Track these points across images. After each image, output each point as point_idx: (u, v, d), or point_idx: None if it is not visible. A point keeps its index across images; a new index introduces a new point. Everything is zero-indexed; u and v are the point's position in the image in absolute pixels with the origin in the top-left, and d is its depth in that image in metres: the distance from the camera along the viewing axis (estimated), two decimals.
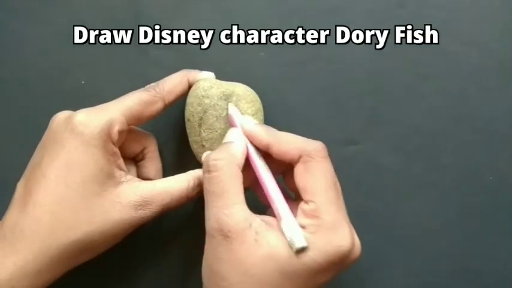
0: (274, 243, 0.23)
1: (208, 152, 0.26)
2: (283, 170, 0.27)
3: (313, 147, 0.24)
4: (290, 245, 0.22)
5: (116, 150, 0.27)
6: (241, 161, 0.25)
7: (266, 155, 0.26)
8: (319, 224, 0.23)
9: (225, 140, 0.26)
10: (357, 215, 0.31)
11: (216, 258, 0.23)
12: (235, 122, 0.27)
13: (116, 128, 0.26)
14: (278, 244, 0.23)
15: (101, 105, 0.27)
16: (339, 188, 0.25)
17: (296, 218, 0.24)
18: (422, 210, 0.32)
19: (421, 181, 0.32)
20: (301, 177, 0.24)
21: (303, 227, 0.23)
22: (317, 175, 0.24)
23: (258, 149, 0.26)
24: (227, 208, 0.23)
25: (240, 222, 0.23)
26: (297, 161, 0.24)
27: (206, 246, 0.24)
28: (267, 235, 0.23)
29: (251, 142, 0.26)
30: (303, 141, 0.25)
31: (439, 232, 0.32)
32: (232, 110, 0.27)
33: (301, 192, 0.24)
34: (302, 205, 0.24)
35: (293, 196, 0.28)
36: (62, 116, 0.27)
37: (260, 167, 0.25)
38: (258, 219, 0.23)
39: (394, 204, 0.32)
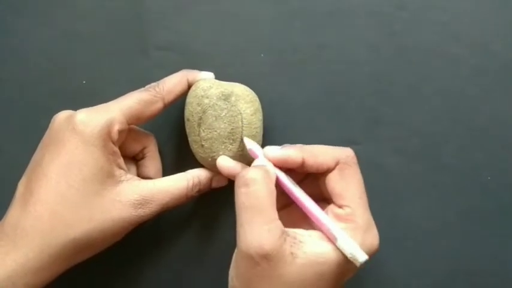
0: (309, 251, 0.24)
1: (245, 169, 0.26)
2: (301, 179, 0.28)
3: (347, 154, 0.26)
4: (353, 261, 0.24)
5: (116, 149, 0.27)
6: (274, 179, 0.25)
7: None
8: (355, 227, 0.24)
9: (255, 164, 0.27)
10: None
11: (255, 277, 0.23)
12: (257, 153, 0.27)
13: (116, 128, 0.27)
14: (312, 251, 0.24)
15: (102, 105, 0.27)
16: (366, 194, 0.26)
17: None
18: (422, 211, 0.32)
19: (421, 182, 0.32)
20: (337, 184, 0.25)
21: None
22: (352, 182, 0.25)
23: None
24: (267, 224, 0.23)
25: (279, 238, 0.23)
26: (333, 169, 0.25)
27: (239, 264, 0.24)
28: (300, 246, 0.24)
29: (281, 167, 0.26)
30: (338, 149, 0.26)
31: (439, 233, 0.31)
32: (250, 144, 0.27)
33: (336, 198, 0.25)
34: (335, 209, 0.25)
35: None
36: (63, 115, 0.27)
37: (297, 191, 0.25)
38: (288, 233, 0.24)
39: (394, 205, 0.32)
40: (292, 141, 0.30)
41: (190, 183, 0.28)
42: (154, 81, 0.29)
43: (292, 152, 0.26)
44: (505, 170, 0.32)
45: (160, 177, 0.30)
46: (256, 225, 0.23)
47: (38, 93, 0.32)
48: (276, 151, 0.26)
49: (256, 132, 0.29)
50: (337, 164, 0.25)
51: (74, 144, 0.26)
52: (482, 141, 0.32)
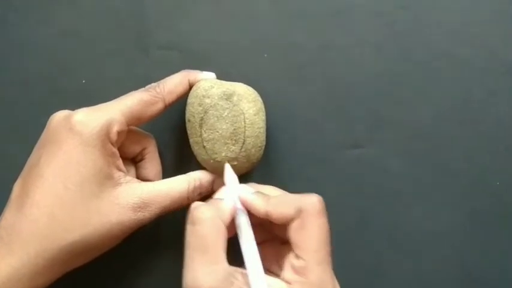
0: None
1: (197, 203, 0.25)
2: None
3: (310, 201, 0.24)
4: None
5: (115, 150, 0.27)
6: (228, 218, 0.24)
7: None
8: (305, 282, 0.23)
9: (216, 196, 0.26)
10: (360, 221, 0.31)
11: None
12: (228, 184, 0.26)
13: (115, 128, 0.26)
14: None
15: (100, 104, 0.27)
16: (329, 245, 0.24)
17: (284, 269, 0.24)
18: (428, 216, 0.31)
19: (426, 186, 0.31)
20: (295, 233, 0.24)
21: (289, 282, 0.24)
22: (311, 233, 0.24)
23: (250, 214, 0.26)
24: (210, 266, 0.22)
25: (222, 282, 0.22)
26: (295, 218, 0.24)
27: None
28: None
29: (249, 211, 0.25)
30: (299, 198, 0.25)
31: (445, 239, 0.31)
32: (229, 173, 0.27)
33: (293, 246, 0.24)
34: (292, 258, 0.24)
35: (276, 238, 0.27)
36: (60, 115, 0.26)
37: (245, 236, 0.24)
38: (240, 275, 0.23)
39: (399, 210, 0.31)
40: (295, 143, 0.31)
41: (192, 186, 0.28)
42: (154, 81, 0.28)
43: (256, 201, 0.25)
44: None
45: (160, 179, 0.30)
46: (198, 266, 0.22)
47: (37, 92, 0.32)
48: (245, 194, 0.25)
49: (259, 132, 0.28)
50: (299, 213, 0.24)
51: (71, 145, 0.25)
52: (490, 144, 0.31)
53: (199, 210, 0.24)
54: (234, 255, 0.24)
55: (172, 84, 0.28)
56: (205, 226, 0.23)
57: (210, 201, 0.25)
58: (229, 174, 0.27)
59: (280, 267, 0.25)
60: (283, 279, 0.24)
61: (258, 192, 0.26)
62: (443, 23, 0.32)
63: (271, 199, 0.25)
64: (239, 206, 0.25)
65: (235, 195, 0.25)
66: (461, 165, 0.31)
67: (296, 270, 0.24)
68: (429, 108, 0.32)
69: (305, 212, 0.24)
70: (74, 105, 0.27)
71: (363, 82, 0.32)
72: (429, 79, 0.32)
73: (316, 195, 0.25)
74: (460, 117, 0.32)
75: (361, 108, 0.32)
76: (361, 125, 0.32)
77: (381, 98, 0.32)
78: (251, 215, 0.25)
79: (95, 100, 0.27)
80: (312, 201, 0.24)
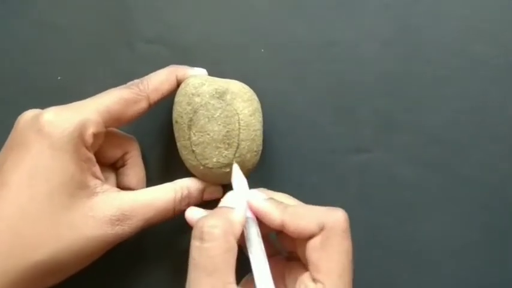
0: None
1: (200, 212, 0.24)
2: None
3: (335, 217, 0.23)
4: None
5: (90, 155, 0.25)
6: (239, 232, 0.23)
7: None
8: None
9: (224, 203, 0.24)
10: (367, 233, 0.30)
11: None
12: (239, 192, 0.25)
13: (91, 130, 0.24)
14: None
15: (74, 103, 0.26)
16: (352, 270, 0.23)
17: None
18: (441, 229, 0.30)
19: (439, 195, 0.30)
20: (316, 252, 0.23)
21: None
22: (334, 255, 0.22)
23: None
24: None
25: None
26: (316, 234, 0.23)
27: None
28: None
29: (260, 219, 0.24)
30: (323, 211, 0.23)
31: (461, 253, 0.30)
32: (237, 176, 0.25)
33: (311, 268, 0.23)
34: (307, 280, 0.23)
35: (282, 252, 0.27)
36: (28, 114, 0.25)
37: (254, 251, 0.23)
38: None
39: (409, 221, 0.30)
40: (294, 147, 0.30)
41: (179, 195, 0.26)
42: (139, 78, 0.27)
43: (272, 209, 0.23)
44: None
45: (143, 188, 0.28)
46: None
47: (6, 90, 0.31)
48: (258, 201, 0.24)
49: (255, 135, 0.27)
50: (322, 229, 0.23)
51: (39, 149, 0.23)
52: (507, 149, 0.30)
53: (208, 224, 0.22)
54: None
55: (157, 81, 0.27)
56: (216, 244, 0.21)
57: (219, 212, 0.23)
58: (238, 177, 0.25)
59: (286, 286, 0.24)
60: None
61: (271, 199, 0.24)
62: (458, 18, 0.31)
63: (288, 208, 0.24)
64: (249, 214, 0.24)
65: (245, 201, 0.24)
66: (479, 173, 0.30)
67: None
68: (443, 110, 0.31)
69: (329, 230, 0.23)
70: (48, 105, 0.26)
71: (370, 81, 0.31)
72: (442, 78, 0.31)
73: (342, 210, 0.23)
74: (477, 120, 0.30)
75: (368, 109, 0.31)
76: (368, 127, 0.30)
77: (390, 99, 0.31)
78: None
79: (72, 100, 0.26)
80: (337, 218, 0.23)
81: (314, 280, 0.22)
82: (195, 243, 0.22)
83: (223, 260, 0.21)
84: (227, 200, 0.24)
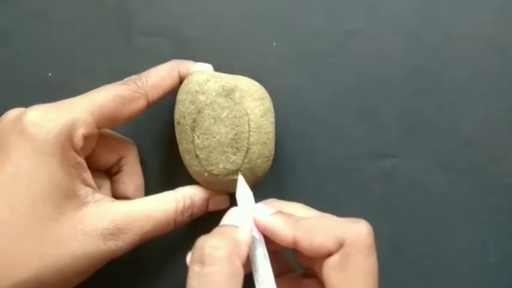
0: None
1: (204, 237, 0.22)
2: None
3: (356, 232, 0.21)
4: None
5: (80, 160, 0.24)
6: (245, 254, 0.21)
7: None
8: None
9: (226, 221, 0.23)
10: (393, 250, 0.29)
11: None
12: (244, 208, 0.23)
13: (80, 131, 0.23)
14: None
15: (63, 101, 0.24)
16: None
17: None
18: (475, 243, 0.29)
19: (473, 205, 0.29)
20: (334, 272, 0.20)
21: None
22: (357, 277, 0.20)
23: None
24: None
25: None
26: (335, 251, 0.21)
27: None
28: None
29: (268, 237, 0.22)
30: (341, 224, 0.21)
31: (497, 269, 0.29)
32: (242, 188, 0.24)
33: None
34: None
35: (298, 269, 0.25)
36: (11, 114, 0.24)
37: (263, 274, 0.21)
38: None
39: (440, 234, 0.29)
40: (310, 152, 0.29)
41: (181, 206, 0.25)
42: (138, 73, 0.26)
43: (281, 225, 0.21)
44: None
45: (141, 196, 0.27)
46: None
47: None
48: (263, 216, 0.22)
49: (267, 138, 0.26)
50: (341, 245, 0.20)
51: (21, 153, 0.22)
52: None
53: (210, 245, 0.20)
54: None
55: (157, 77, 0.25)
56: (219, 269, 0.19)
57: (221, 231, 0.21)
58: (243, 190, 0.24)
59: None
60: None
61: (280, 212, 0.22)
62: (495, 7, 0.29)
63: (300, 222, 0.22)
64: (255, 234, 0.22)
65: (251, 218, 0.22)
66: None
67: None
68: (477, 110, 0.29)
69: (349, 246, 0.20)
70: (37, 103, 0.24)
71: (396, 77, 0.29)
72: (476, 75, 0.29)
73: (365, 222, 0.21)
74: None
75: (393, 109, 0.29)
76: (393, 130, 0.29)
77: (419, 97, 0.29)
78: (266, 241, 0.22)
79: (63, 98, 0.25)
80: (359, 231, 0.21)
81: None
82: (194, 268, 0.19)
83: (228, 286, 0.19)
84: (230, 216, 0.23)
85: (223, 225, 0.22)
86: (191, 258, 0.20)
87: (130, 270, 0.28)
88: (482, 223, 0.29)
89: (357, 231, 0.21)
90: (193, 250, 0.20)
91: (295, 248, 0.21)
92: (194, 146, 0.25)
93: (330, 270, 0.20)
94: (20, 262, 0.21)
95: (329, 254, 0.21)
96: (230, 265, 0.19)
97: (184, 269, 0.29)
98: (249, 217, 0.22)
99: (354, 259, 0.20)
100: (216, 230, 0.21)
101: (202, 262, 0.19)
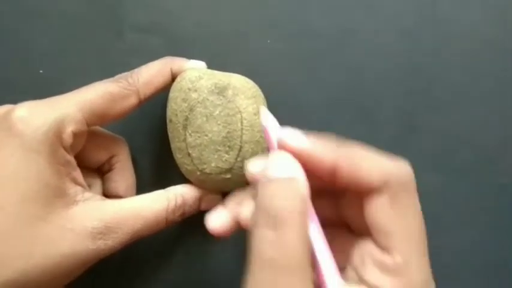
0: None
1: (269, 198, 0.18)
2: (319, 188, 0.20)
3: (406, 172, 0.19)
4: None
5: (70, 158, 0.23)
6: (307, 210, 0.18)
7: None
8: (407, 285, 0.18)
9: (274, 168, 0.19)
10: None
11: None
12: (272, 138, 0.20)
13: (70, 128, 0.23)
14: None
15: (52, 97, 0.24)
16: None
17: (363, 269, 0.19)
18: (470, 243, 0.29)
19: (471, 206, 0.29)
20: (385, 215, 0.18)
21: (376, 287, 0.18)
22: (408, 217, 0.18)
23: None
24: None
25: None
26: (377, 191, 0.19)
27: None
28: None
29: (304, 167, 0.19)
30: (390, 163, 0.19)
31: (493, 270, 0.29)
32: (265, 117, 0.21)
33: (379, 235, 0.19)
34: (377, 254, 0.19)
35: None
36: (0, 111, 0.23)
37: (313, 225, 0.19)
38: None
39: (435, 235, 0.27)
40: None
41: (172, 204, 0.25)
42: (130, 70, 0.26)
43: (322, 148, 0.19)
44: None
45: (133, 195, 0.27)
46: None
47: None
48: (299, 140, 0.19)
49: (261, 137, 0.25)
50: (385, 185, 0.18)
51: (8, 150, 0.21)
52: None
53: (280, 207, 0.17)
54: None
55: (149, 74, 0.25)
56: (294, 232, 0.17)
57: (283, 185, 0.18)
58: (266, 118, 0.21)
59: (340, 262, 0.19)
60: (366, 283, 0.19)
61: (315, 136, 0.19)
62: (494, 6, 0.29)
63: (341, 148, 0.19)
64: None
65: (298, 164, 0.19)
66: None
67: (389, 269, 0.18)
68: (474, 111, 0.29)
69: (398, 184, 0.18)
70: (28, 100, 0.24)
71: (393, 77, 0.29)
72: (474, 74, 0.29)
73: (408, 165, 0.19)
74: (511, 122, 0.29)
75: (390, 109, 0.29)
76: (389, 130, 0.29)
77: (415, 97, 0.29)
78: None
79: (55, 95, 0.24)
80: (406, 171, 0.19)
81: (385, 251, 0.18)
82: (266, 234, 0.17)
83: (305, 250, 0.17)
84: (279, 164, 0.19)
85: (283, 179, 0.19)
86: (257, 222, 0.18)
87: (121, 269, 0.28)
88: (477, 222, 0.29)
89: (405, 170, 0.19)
90: (258, 211, 0.18)
91: (333, 179, 0.19)
92: (186, 145, 0.25)
93: (379, 211, 0.18)
94: (8, 261, 0.21)
95: (370, 191, 0.19)
96: (304, 225, 0.17)
97: (178, 267, 0.28)
98: (297, 163, 0.19)
99: (404, 200, 0.19)
100: (277, 186, 0.18)
101: (274, 226, 0.17)
